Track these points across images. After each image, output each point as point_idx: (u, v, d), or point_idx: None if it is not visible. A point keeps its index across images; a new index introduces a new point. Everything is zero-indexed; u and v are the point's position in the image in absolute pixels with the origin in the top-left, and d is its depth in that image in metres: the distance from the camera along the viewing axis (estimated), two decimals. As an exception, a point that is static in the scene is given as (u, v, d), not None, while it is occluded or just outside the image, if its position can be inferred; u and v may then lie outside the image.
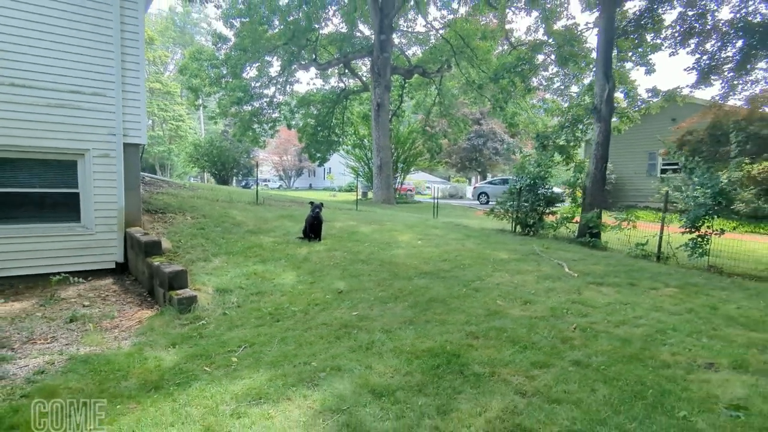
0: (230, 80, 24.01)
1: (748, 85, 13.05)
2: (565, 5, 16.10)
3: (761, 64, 12.35)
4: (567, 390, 3.47)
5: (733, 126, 10.24)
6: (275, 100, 26.90)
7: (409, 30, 28.27)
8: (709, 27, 12.60)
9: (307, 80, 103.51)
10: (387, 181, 23.31)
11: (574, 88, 17.74)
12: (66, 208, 7.59)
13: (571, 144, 13.40)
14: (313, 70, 27.42)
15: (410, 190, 34.25)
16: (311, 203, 9.29)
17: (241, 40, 22.68)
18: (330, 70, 28.28)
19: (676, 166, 19.43)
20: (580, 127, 13.09)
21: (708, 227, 9.20)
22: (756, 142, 9.42)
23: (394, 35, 25.13)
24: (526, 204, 12.69)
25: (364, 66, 28.77)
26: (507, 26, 19.60)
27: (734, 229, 18.35)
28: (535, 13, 16.32)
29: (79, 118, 7.45)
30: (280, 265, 7.38)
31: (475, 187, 31.17)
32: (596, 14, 12.47)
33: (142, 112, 8.09)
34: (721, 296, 6.60)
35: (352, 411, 3.21)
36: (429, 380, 3.65)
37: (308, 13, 22.53)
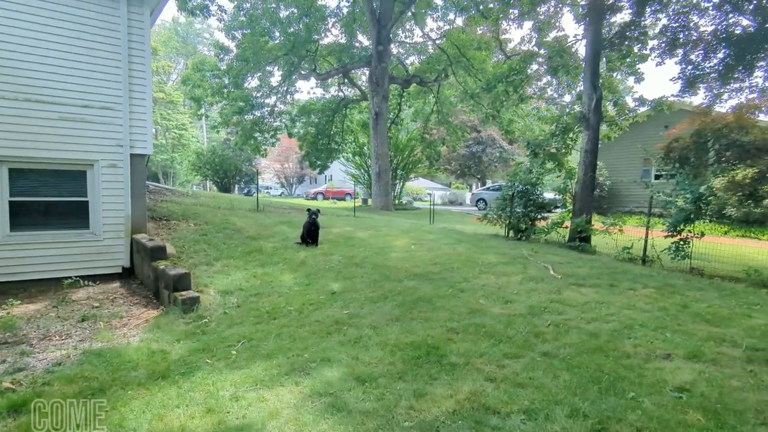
0: (232, 90, 24.56)
1: (734, 93, 13.47)
2: (559, 16, 16.60)
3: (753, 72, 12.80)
4: (532, 377, 3.86)
5: (711, 134, 10.63)
6: (276, 109, 27.46)
7: (407, 40, 28.87)
8: (695, 37, 13.06)
9: (307, 89, 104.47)
10: (386, 188, 23.75)
11: (568, 97, 18.18)
12: (76, 215, 8.02)
13: (563, 151, 13.80)
14: (313, 80, 27.99)
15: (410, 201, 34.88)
16: (308, 210, 9.72)
17: (243, 51, 23.26)
18: (330, 80, 28.85)
19: (672, 173, 19.83)
20: (571, 135, 13.49)
21: (689, 231, 9.56)
22: (735, 149, 9.80)
23: (392, 45, 25.70)
24: (518, 210, 13.08)
25: (363, 76, 29.32)
26: (502, 37, 20.06)
27: (725, 233, 18.72)
28: (528, 24, 16.82)
29: (89, 130, 7.90)
30: (278, 269, 7.78)
31: (473, 194, 31.59)
32: (585, 27, 12.92)
33: (148, 123, 8.55)
34: (696, 296, 6.96)
35: (338, 394, 3.60)
36: (409, 369, 4.04)
37: (308, 25, 23.11)
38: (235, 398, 3.61)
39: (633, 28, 11.81)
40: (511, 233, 13.26)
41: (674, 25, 11.96)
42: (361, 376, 3.91)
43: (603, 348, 4.51)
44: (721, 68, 12.08)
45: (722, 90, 13.16)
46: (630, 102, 13.99)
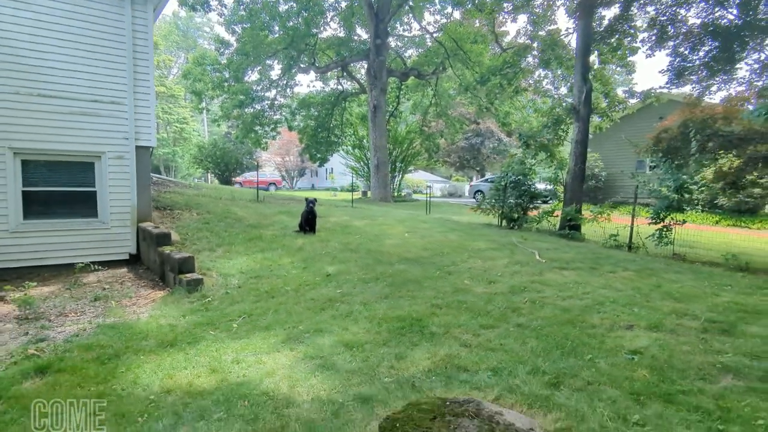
0: (233, 84, 24.87)
1: (723, 85, 13.78)
2: (554, 8, 16.85)
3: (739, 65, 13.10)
4: (503, 343, 4.29)
5: (694, 125, 10.96)
6: (276, 102, 27.77)
7: (406, 34, 29.08)
8: (684, 30, 13.36)
9: (307, 82, 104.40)
10: (384, 180, 24.12)
11: (564, 90, 18.49)
12: (85, 205, 8.44)
13: (555, 143, 14.16)
14: (312, 74, 28.28)
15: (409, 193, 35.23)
16: (306, 199, 10.13)
17: (243, 45, 23.54)
18: (329, 73, 29.11)
19: (656, 163, 20.14)
20: (563, 126, 13.84)
21: (671, 219, 9.95)
22: (718, 139, 10.13)
23: (390, 39, 25.95)
24: (511, 200, 13.47)
25: (362, 69, 29.58)
26: (498, 30, 20.32)
27: (716, 222, 19.11)
28: (523, 18, 17.08)
29: (97, 124, 8.31)
30: (277, 254, 8.21)
31: (471, 186, 31.92)
32: (577, 21, 13.21)
33: (151, 117, 8.94)
34: (671, 278, 7.37)
35: (328, 357, 4.04)
36: (393, 337, 4.47)
37: (307, 19, 23.36)
38: (236, 362, 4.04)
39: (622, 21, 12.11)
40: (504, 222, 13.65)
41: (662, 18, 12.25)
42: (349, 343, 4.35)
43: (572, 320, 4.93)
44: (708, 60, 12.39)
45: (711, 82, 13.46)
46: (621, 94, 14.29)
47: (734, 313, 5.27)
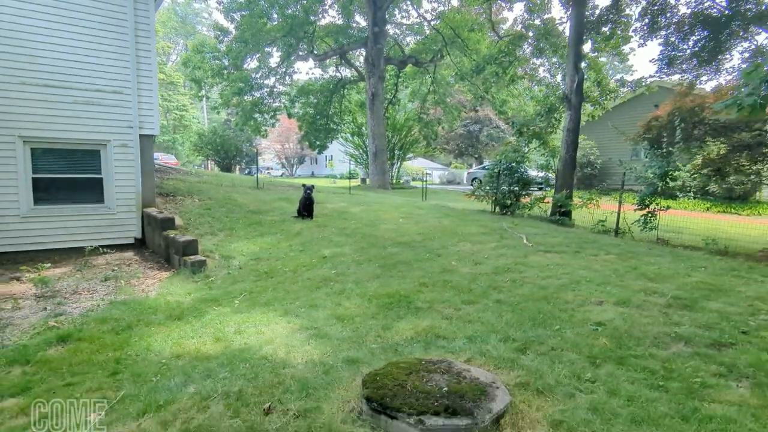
0: (232, 71, 25.06)
1: (713, 74, 14.04)
2: (549, -1, 17.02)
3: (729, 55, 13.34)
4: (480, 317, 4.70)
5: (679, 114, 11.25)
6: (275, 89, 27.96)
7: (404, 21, 29.13)
8: (676, 19, 13.59)
9: (306, 70, 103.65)
10: (382, 168, 24.45)
11: (559, 78, 18.70)
12: (92, 191, 8.82)
13: (548, 130, 14.46)
14: (311, 61, 28.38)
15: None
16: (304, 185, 10.50)
17: (242, 32, 23.68)
18: (327, 60, 29.23)
19: (640, 150, 20.42)
20: (555, 115, 14.13)
21: (656, 205, 10.33)
22: (703, 127, 10.44)
23: (388, 26, 26.03)
24: (504, 187, 13.83)
25: (361, 57, 29.69)
26: (495, 18, 20.46)
27: (707, 209, 19.49)
28: (519, 6, 17.22)
29: (102, 113, 8.64)
30: (276, 238, 8.62)
31: (468, 173, 32.22)
32: (570, 10, 13.43)
33: (154, 106, 9.27)
34: (649, 261, 7.76)
35: (321, 328, 4.46)
36: (381, 311, 4.89)
37: (306, 6, 23.47)
38: (238, 332, 4.47)
39: (614, 11, 12.33)
40: (498, 209, 14.03)
41: (654, 8, 12.47)
42: (341, 316, 4.77)
43: (547, 297, 5.34)
44: (697, 49, 12.64)
45: (701, 72, 13.72)
46: (612, 83, 14.55)
47: (699, 291, 5.68)
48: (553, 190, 13.93)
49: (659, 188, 10.13)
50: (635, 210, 10.78)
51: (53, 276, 6.83)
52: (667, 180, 10.10)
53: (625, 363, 3.64)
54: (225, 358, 3.86)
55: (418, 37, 28.51)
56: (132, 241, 9.08)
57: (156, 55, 9.65)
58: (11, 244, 7.91)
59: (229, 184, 14.18)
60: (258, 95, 27.10)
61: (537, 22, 14.98)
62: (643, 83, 13.47)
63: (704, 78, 14.11)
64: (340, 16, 26.59)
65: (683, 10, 12.67)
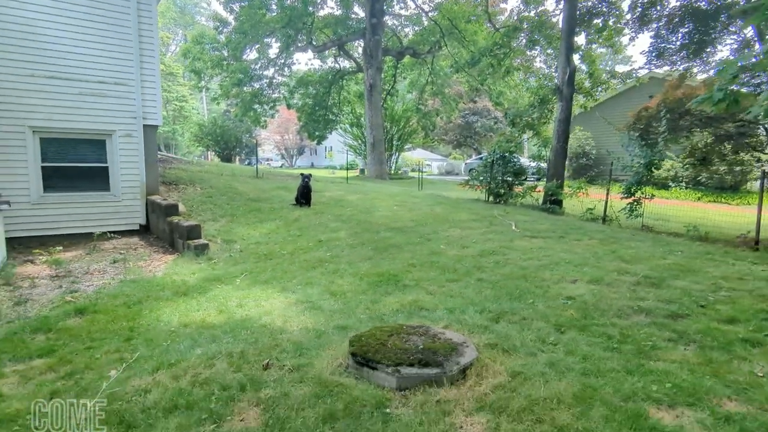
0: (231, 63, 25.28)
1: (703, 67, 14.35)
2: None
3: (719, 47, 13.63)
4: (462, 292, 5.12)
5: (665, 105, 11.57)
6: (275, 80, 28.19)
7: (402, 12, 29.27)
8: (667, 12, 13.87)
9: (305, 61, 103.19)
10: (380, 158, 24.78)
11: (553, 69, 18.97)
12: (98, 179, 9.20)
13: (541, 121, 14.81)
14: (310, 52, 28.58)
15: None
16: (301, 174, 10.88)
17: (241, 24, 23.86)
18: (326, 51, 29.41)
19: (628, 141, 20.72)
20: (548, 106, 14.46)
21: (641, 194, 10.71)
22: (689, 118, 10.78)
23: (386, 18, 26.21)
24: (498, 177, 14.20)
25: (359, 48, 29.86)
26: (491, 9, 20.68)
27: (699, 198, 19.88)
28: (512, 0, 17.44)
29: (107, 104, 9.00)
30: (274, 224, 9.02)
31: (466, 164, 32.54)
32: (562, 3, 13.70)
33: (157, 98, 9.62)
34: (630, 245, 8.16)
35: (315, 302, 4.88)
36: (371, 288, 5.31)
37: (304, -2, 23.66)
38: (239, 306, 4.89)
39: (605, 3, 12.61)
40: (491, 198, 14.41)
41: (644, 1, 12.75)
42: (334, 292, 5.19)
43: (526, 276, 5.76)
44: (686, 41, 12.93)
45: (692, 64, 14.02)
46: (604, 75, 14.85)
47: (669, 272, 6.09)
48: (546, 180, 14.29)
49: (644, 177, 10.51)
50: (621, 198, 11.17)
51: (65, 259, 7.24)
52: (652, 169, 10.47)
53: (587, 330, 4.05)
54: (228, 326, 4.29)
55: (416, 28, 28.65)
56: (137, 227, 9.47)
57: (159, 47, 9.97)
58: (23, 229, 8.30)
59: (230, 174, 14.55)
60: (257, 86, 27.33)
61: (532, 14, 15.24)
62: (634, 75, 13.77)
63: (695, 70, 14.41)
64: (339, 7, 26.74)
65: (672, 2, 12.92)
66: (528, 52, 16.62)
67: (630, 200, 10.82)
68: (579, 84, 14.37)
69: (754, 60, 7.13)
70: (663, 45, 13.54)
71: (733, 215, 14.04)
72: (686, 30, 12.60)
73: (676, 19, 13.52)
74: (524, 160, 15.85)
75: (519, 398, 2.82)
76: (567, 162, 25.28)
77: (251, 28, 23.85)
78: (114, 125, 9.14)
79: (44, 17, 8.30)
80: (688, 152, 11.90)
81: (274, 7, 24.40)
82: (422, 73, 30.57)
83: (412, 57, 27.54)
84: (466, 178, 30.87)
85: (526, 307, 4.63)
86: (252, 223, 9.02)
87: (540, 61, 21.29)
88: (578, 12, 13.45)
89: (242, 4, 23.94)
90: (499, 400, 2.81)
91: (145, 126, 9.46)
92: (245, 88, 26.24)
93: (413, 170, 40.89)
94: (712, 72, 14.52)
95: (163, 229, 8.67)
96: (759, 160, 11.43)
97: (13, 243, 8.01)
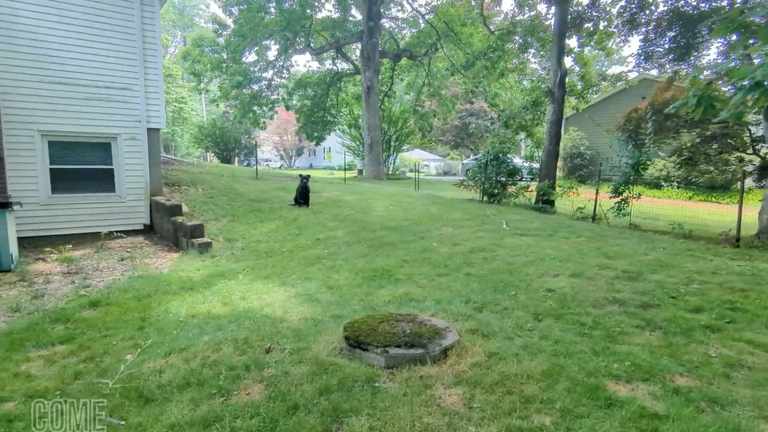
0: (231, 65, 25.64)
1: (691, 69, 14.71)
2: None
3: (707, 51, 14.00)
4: (450, 285, 5.48)
5: (651, 107, 11.94)
6: (273, 82, 28.54)
7: (399, 15, 29.64)
8: (656, 16, 14.25)
9: (303, 63, 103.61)
10: (377, 159, 25.15)
11: (546, 71, 19.34)
12: (104, 181, 9.54)
13: (534, 122, 15.18)
14: (308, 54, 28.91)
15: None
16: (300, 175, 11.23)
17: (240, 27, 24.21)
18: (324, 54, 29.78)
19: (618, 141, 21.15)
20: (541, 108, 14.83)
21: (628, 193, 11.08)
22: (676, 120, 11.14)
23: (383, 20, 26.59)
24: (492, 177, 14.56)
25: (357, 50, 30.23)
26: (486, 12, 21.03)
27: (690, 198, 20.29)
28: (508, 1, 17.82)
29: (112, 108, 9.34)
30: (274, 224, 9.37)
31: (463, 164, 32.91)
32: (553, 8, 14.08)
33: (160, 101, 9.97)
34: (615, 243, 8.52)
35: (313, 295, 5.23)
36: (365, 282, 5.66)
37: (302, 1, 24.00)
38: (242, 298, 5.24)
39: (595, 8, 12.98)
40: (485, 198, 14.77)
41: (632, 6, 13.13)
42: (331, 286, 5.54)
43: (512, 270, 6.12)
44: (674, 45, 13.32)
45: (679, 67, 14.40)
46: (595, 78, 15.23)
47: (648, 267, 6.45)
48: (538, 180, 14.64)
49: (631, 177, 10.88)
50: (610, 198, 11.54)
51: (75, 257, 7.58)
52: (639, 169, 10.84)
53: (563, 318, 4.41)
54: (232, 317, 4.64)
55: (412, 31, 29.03)
56: (141, 227, 9.82)
57: (161, 52, 10.31)
58: (32, 229, 8.64)
59: (230, 175, 14.90)
60: (256, 88, 27.69)
61: (526, 17, 15.63)
62: (624, 77, 14.15)
63: (683, 73, 14.78)
64: (337, 9, 27.11)
65: (660, 7, 13.30)
66: (522, 55, 16.99)
67: (618, 199, 11.19)
68: (571, 86, 14.74)
69: (734, 64, 7.50)
70: (652, 48, 13.89)
71: (721, 214, 14.43)
72: (673, 34, 12.96)
73: (664, 23, 13.88)
74: (518, 161, 16.22)
75: (493, 374, 3.18)
76: (562, 162, 25.74)
77: (250, 31, 24.21)
78: (119, 128, 9.48)
79: (52, 25, 8.64)
80: (676, 153, 12.27)
81: (272, 10, 24.76)
82: (419, 74, 30.95)
83: (408, 59, 27.92)
84: (463, 178, 31.29)
85: (508, 298, 4.99)
86: (252, 223, 9.37)
87: (535, 62, 21.73)
88: (569, 16, 13.83)
89: (241, 7, 24.30)
90: (475, 375, 3.17)
91: (148, 129, 9.80)
92: (244, 90, 26.59)
93: (411, 171, 41.30)
94: (701, 75, 14.90)
95: (167, 229, 9.01)
96: (741, 160, 11.78)
97: (23, 243, 8.35)
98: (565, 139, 25.94)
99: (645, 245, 8.42)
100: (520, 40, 15.62)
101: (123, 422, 2.83)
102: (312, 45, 27.12)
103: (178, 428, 2.71)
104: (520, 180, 14.81)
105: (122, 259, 7.36)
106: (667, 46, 14.21)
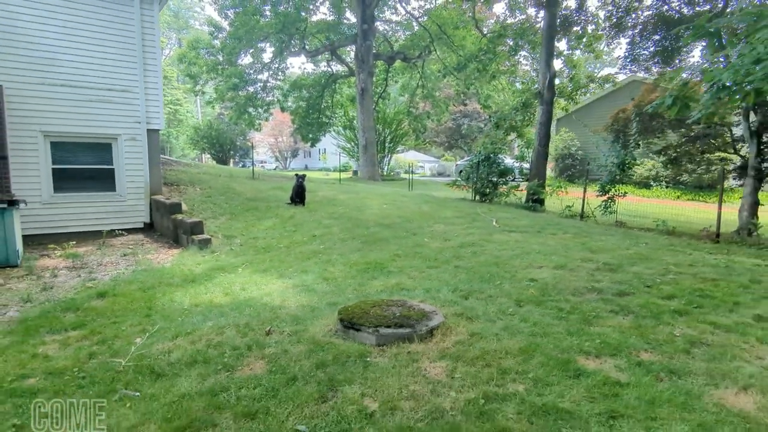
0: (226, 67, 25.89)
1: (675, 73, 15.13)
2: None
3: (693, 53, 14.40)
4: (439, 276, 5.79)
5: (637, 107, 12.34)
6: (269, 84, 28.81)
7: (393, 17, 30.04)
8: (642, 20, 14.68)
9: (298, 65, 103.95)
10: (372, 160, 25.46)
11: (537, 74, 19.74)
12: (105, 180, 9.78)
13: (524, 124, 15.54)
14: (303, 57, 29.22)
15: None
16: (296, 175, 11.52)
17: (236, 29, 24.47)
18: (319, 56, 30.09)
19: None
20: (531, 109, 15.20)
21: (615, 191, 11.46)
22: (660, 120, 11.53)
23: (378, 23, 26.94)
24: (483, 177, 14.91)
25: (351, 52, 30.57)
26: (478, 15, 21.43)
27: (678, 197, 20.75)
28: (500, 6, 18.19)
29: (113, 109, 9.60)
30: (271, 221, 9.65)
31: (457, 165, 33.28)
32: (542, 12, 14.47)
33: (159, 103, 10.23)
34: (600, 238, 8.88)
35: (310, 285, 5.53)
36: (359, 274, 5.97)
37: (297, 3, 24.33)
38: (242, 289, 5.53)
39: (582, 12, 13.37)
40: (477, 197, 15.12)
41: (618, 11, 13.54)
42: (326, 277, 5.84)
43: (499, 263, 6.44)
44: (659, 48, 13.73)
45: (665, 69, 14.82)
46: (583, 79, 15.65)
47: (628, 260, 6.79)
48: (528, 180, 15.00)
49: (617, 176, 11.26)
50: (597, 196, 11.92)
51: (79, 253, 7.83)
52: (624, 168, 11.22)
53: (543, 304, 4.74)
54: (233, 305, 4.93)
55: (406, 33, 29.41)
56: (141, 225, 10.07)
57: (161, 55, 10.58)
58: (36, 227, 8.88)
59: (227, 175, 15.16)
60: (252, 90, 27.93)
61: (517, 20, 16.02)
62: (611, 79, 14.55)
63: (667, 76, 15.20)
64: (331, 12, 27.44)
65: (646, 12, 13.73)
66: (513, 57, 17.38)
67: (605, 198, 11.57)
68: (560, 89, 15.13)
69: (707, 65, 7.88)
70: (638, 51, 14.30)
71: (707, 212, 14.83)
72: (658, 37, 13.38)
73: (650, 27, 14.30)
74: (509, 161, 16.60)
75: (474, 350, 3.50)
76: (554, 162, 26.18)
77: (246, 34, 24.47)
78: (120, 129, 9.74)
79: (54, 29, 8.89)
80: (661, 153, 12.67)
81: (268, 13, 25.05)
82: (413, 77, 31.31)
83: (402, 61, 28.29)
84: (456, 178, 31.61)
85: (493, 287, 5.31)
86: (250, 221, 9.65)
87: (526, 64, 22.15)
88: (558, 20, 14.22)
89: (237, 10, 24.57)
90: (458, 351, 3.48)
91: (148, 130, 10.06)
92: (240, 92, 26.84)
93: (406, 172, 41.67)
94: (686, 75, 15.34)
95: (167, 226, 9.27)
96: (723, 159, 12.19)
97: (26, 240, 8.57)
98: (557, 140, 26.38)
99: (629, 241, 8.78)
100: (511, 43, 15.99)
101: (137, 393, 3.12)
102: (307, 47, 27.43)
103: (188, 397, 3.01)
104: (512, 180, 15.17)
105: (125, 255, 7.62)
106: (652, 49, 14.61)
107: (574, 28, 14.36)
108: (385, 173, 30.52)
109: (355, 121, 30.56)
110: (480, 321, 4.14)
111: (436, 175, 40.96)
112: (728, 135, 11.62)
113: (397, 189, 18.18)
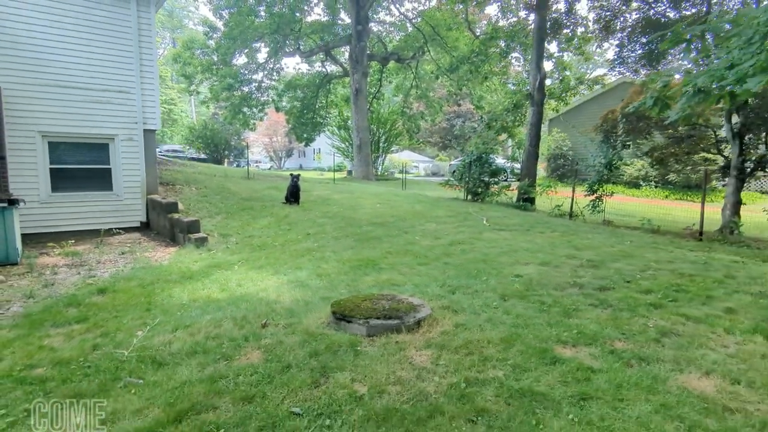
0: (221, 67, 25.99)
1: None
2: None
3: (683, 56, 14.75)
4: (429, 273, 6.02)
5: (621, 109, 12.64)
6: (264, 84, 28.92)
7: (387, 18, 30.24)
8: (630, 23, 14.98)
9: (293, 65, 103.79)
10: (366, 159, 25.67)
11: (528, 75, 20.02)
12: (102, 180, 9.92)
13: (515, 124, 15.81)
14: (297, 57, 29.35)
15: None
16: (291, 174, 11.71)
17: (230, 30, 24.58)
18: (314, 57, 30.25)
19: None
20: (522, 110, 15.48)
21: (603, 191, 11.74)
22: (647, 121, 11.82)
23: (372, 24, 27.14)
24: (475, 176, 15.17)
25: (345, 53, 30.75)
26: (471, 17, 21.68)
27: (666, 197, 21.14)
28: (492, 8, 18.47)
29: (110, 110, 9.74)
30: (266, 220, 9.84)
31: (450, 165, 33.55)
32: (532, 15, 14.74)
33: (156, 103, 10.38)
34: (586, 237, 9.14)
35: (304, 281, 5.74)
36: (352, 270, 6.18)
37: (292, 4, 24.48)
38: (239, 285, 5.73)
39: (571, 15, 13.65)
40: (469, 197, 15.37)
41: (606, 14, 13.84)
42: (320, 274, 6.05)
43: (487, 260, 6.68)
44: (646, 51, 14.04)
45: (652, 71, 15.12)
46: (573, 81, 15.94)
47: (612, 257, 7.05)
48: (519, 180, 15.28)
49: (605, 176, 11.54)
50: (585, 196, 12.20)
51: (77, 251, 7.99)
52: (612, 168, 11.50)
53: (526, 298, 4.97)
54: (230, 300, 5.13)
55: (400, 34, 29.63)
56: (138, 224, 10.22)
57: (156, 55, 10.74)
58: (34, 226, 9.01)
59: (222, 175, 15.31)
60: (247, 90, 28.04)
61: (509, 22, 16.28)
62: (600, 81, 14.85)
63: (650, 77, 15.51)
64: (326, 13, 27.61)
65: (634, 15, 14.04)
66: (505, 59, 17.65)
67: (593, 197, 11.85)
68: (550, 90, 15.41)
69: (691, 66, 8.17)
70: (626, 53, 14.61)
71: (693, 211, 15.16)
72: (645, 40, 13.69)
73: (638, 30, 14.61)
74: (501, 161, 16.88)
75: (458, 340, 3.72)
76: (546, 163, 26.50)
77: (240, 34, 24.59)
78: (116, 130, 9.88)
79: (52, 30, 9.02)
80: (648, 153, 12.98)
81: (262, 13, 25.18)
82: (407, 77, 31.54)
83: (396, 62, 28.50)
84: (449, 178, 31.85)
85: (480, 282, 5.54)
86: (246, 220, 9.83)
87: (518, 66, 22.44)
88: (548, 23, 14.49)
89: (231, 10, 24.68)
90: (443, 341, 3.71)
91: (145, 130, 10.21)
92: (235, 92, 26.94)
93: (400, 172, 41.91)
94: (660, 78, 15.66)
95: (163, 225, 9.43)
96: (706, 160, 12.52)
97: (25, 239, 8.70)
98: (549, 141, 26.72)
99: (614, 239, 9.05)
100: (503, 45, 16.26)
101: (141, 380, 3.32)
102: (301, 48, 27.59)
103: (189, 384, 3.21)
104: (505, 180, 15.45)
105: (123, 253, 7.79)
106: (639, 51, 14.92)
107: (564, 31, 14.65)
108: (379, 173, 30.73)
109: (349, 121, 30.76)
110: (465, 313, 4.37)
111: (431, 174, 41.25)
112: (713, 136, 11.92)
113: (390, 188, 18.40)
